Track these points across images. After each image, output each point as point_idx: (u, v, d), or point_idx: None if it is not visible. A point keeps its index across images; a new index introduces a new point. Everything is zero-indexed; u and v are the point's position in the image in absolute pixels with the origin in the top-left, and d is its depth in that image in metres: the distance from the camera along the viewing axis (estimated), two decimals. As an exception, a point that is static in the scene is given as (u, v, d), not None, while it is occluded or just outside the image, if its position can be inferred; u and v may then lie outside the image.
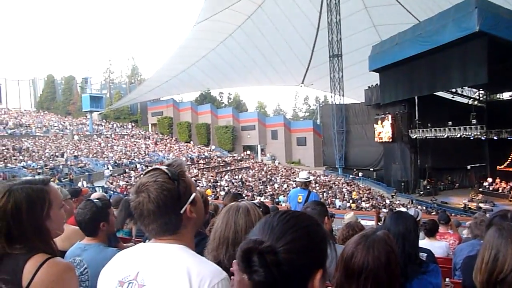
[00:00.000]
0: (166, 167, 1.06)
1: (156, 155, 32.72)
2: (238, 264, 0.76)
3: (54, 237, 1.24)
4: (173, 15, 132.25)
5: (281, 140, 38.27)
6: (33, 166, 22.59)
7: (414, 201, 20.90)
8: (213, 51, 36.22)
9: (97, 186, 18.46)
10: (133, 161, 29.46)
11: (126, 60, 51.16)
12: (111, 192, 16.84)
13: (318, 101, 58.39)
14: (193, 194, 1.07)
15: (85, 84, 39.26)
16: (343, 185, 26.27)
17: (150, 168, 1.09)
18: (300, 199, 5.02)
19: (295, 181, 25.83)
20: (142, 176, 1.08)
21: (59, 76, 49.13)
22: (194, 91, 46.43)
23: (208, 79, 40.53)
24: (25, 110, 44.07)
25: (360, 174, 29.46)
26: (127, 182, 22.61)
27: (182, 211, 1.04)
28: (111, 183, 22.51)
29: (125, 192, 17.97)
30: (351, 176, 29.25)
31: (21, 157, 24.34)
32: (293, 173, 31.63)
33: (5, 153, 24.69)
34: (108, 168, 25.94)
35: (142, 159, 30.57)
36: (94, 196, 3.03)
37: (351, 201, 20.58)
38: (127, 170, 26.73)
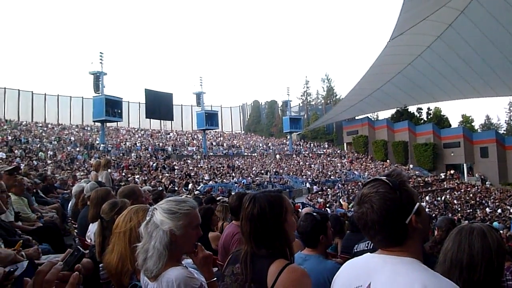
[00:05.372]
0: (385, 177, 1.25)
1: (351, 173, 38.85)
2: None
3: (291, 241, 1.64)
4: (366, 35, 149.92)
5: (492, 158, 39.15)
6: (243, 182, 28.95)
7: None
8: (410, 66, 40.34)
9: (298, 202, 21.02)
10: (329, 179, 35.92)
11: (322, 82, 62.72)
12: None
13: (543, 112, 54.34)
14: (417, 204, 1.22)
15: (285, 107, 48.96)
16: None
17: (369, 179, 1.30)
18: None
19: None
20: (362, 187, 1.30)
21: (263, 101, 62.98)
22: (390, 109, 51.19)
23: (405, 95, 44.78)
24: (236, 132, 58.92)
25: None
26: (324, 199, 27.48)
27: (407, 221, 1.19)
28: (310, 200, 26.89)
29: (323, 209, 21.36)
30: None
31: (233, 174, 32.33)
32: (509, 196, 32.60)
33: (221, 170, 33.02)
34: (314, 185, 32.86)
35: (338, 177, 36.84)
36: (305, 211, 3.87)
37: None
38: (324, 188, 32.59)
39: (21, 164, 18.19)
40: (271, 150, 46.16)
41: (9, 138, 29.36)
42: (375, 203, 1.20)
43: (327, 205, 24.65)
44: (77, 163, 26.23)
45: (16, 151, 25.23)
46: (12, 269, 1.60)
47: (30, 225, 4.69)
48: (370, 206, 1.21)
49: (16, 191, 4.94)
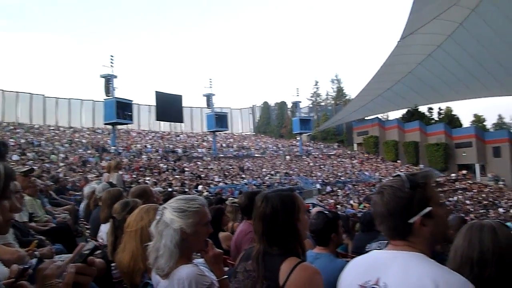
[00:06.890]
0: (408, 175, 1.28)
1: (362, 174, 38.92)
2: None
3: (303, 239, 1.66)
4: (375, 35, 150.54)
5: (506, 158, 38.78)
6: (253, 183, 29.08)
7: None
8: (420, 66, 40.13)
9: (308, 203, 21.29)
10: (339, 180, 35.96)
11: (331, 83, 62.29)
12: (321, 209, 21.75)
13: (558, 111, 54.18)
14: (429, 208, 1.23)
15: (295, 109, 48.88)
16: None
17: (396, 174, 1.35)
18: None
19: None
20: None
21: (273, 102, 62.84)
22: (400, 109, 50.73)
23: (416, 95, 44.47)
24: (245, 134, 58.95)
25: None
26: (335, 200, 27.51)
27: (411, 221, 1.22)
28: (321, 201, 26.56)
29: (333, 210, 24.01)
30: None
31: (243, 175, 32.51)
32: (523, 196, 31.69)
33: (231, 171, 33.33)
34: (327, 186, 32.92)
35: (348, 178, 36.95)
36: (315, 210, 3.93)
37: None
38: (334, 189, 32.60)
39: (34, 167, 18.35)
40: (281, 151, 45.96)
41: (22, 141, 29.60)
42: (385, 196, 1.27)
43: (338, 206, 24.51)
44: (89, 166, 26.42)
45: (28, 154, 25.48)
46: (27, 266, 1.66)
47: (42, 226, 4.75)
48: (380, 198, 1.29)
49: (30, 192, 5.00)
